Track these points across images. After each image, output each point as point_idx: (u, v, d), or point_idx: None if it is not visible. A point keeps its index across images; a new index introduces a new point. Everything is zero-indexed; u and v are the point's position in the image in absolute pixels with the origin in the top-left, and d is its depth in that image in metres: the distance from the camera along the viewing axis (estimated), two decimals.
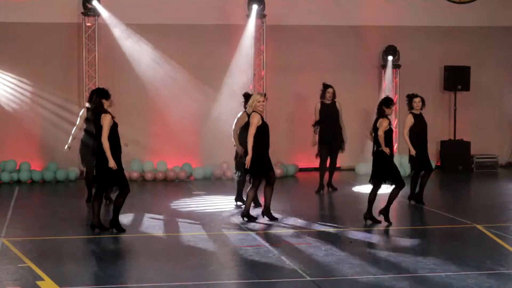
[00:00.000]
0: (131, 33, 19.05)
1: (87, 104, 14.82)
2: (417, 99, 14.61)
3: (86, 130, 14.68)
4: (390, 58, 20.43)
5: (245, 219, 13.00)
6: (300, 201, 15.78)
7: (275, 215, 13.15)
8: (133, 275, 9.80)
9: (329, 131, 16.37)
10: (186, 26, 19.56)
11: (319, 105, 16.60)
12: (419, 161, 14.51)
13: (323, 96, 16.64)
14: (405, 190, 13.84)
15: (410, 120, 14.56)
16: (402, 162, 19.34)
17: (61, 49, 19.29)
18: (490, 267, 9.99)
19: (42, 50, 19.12)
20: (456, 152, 20.63)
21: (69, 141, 15.20)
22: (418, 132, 14.54)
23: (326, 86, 16.65)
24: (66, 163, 19.05)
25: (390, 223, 12.74)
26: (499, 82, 21.09)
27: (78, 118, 15.12)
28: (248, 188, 13.04)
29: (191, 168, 19.16)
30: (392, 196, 12.89)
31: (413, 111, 14.64)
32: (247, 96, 14.12)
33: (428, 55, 20.84)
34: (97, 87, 17.87)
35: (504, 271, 9.81)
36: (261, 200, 13.81)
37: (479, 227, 12.62)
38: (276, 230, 12.40)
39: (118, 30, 19.02)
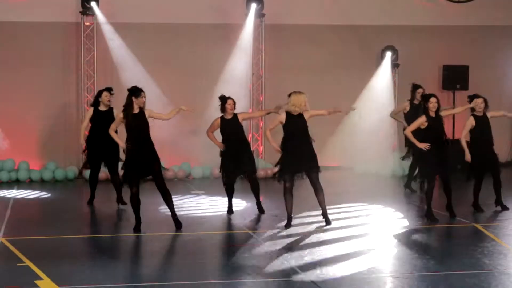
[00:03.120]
0: (129, 33, 19.08)
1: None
2: (479, 100, 13.72)
3: (95, 130, 14.61)
4: (388, 55, 20.41)
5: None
6: (299, 200, 15.76)
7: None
8: (131, 274, 9.79)
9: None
10: (184, 25, 19.58)
11: (408, 107, 15.90)
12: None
13: (412, 97, 15.94)
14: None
15: (471, 122, 13.73)
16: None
17: (59, 48, 19.31)
18: (490, 267, 9.99)
19: (41, 49, 19.13)
20: (455, 152, 20.60)
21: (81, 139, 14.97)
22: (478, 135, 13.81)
23: (415, 86, 15.92)
24: (64, 162, 19.08)
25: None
26: (498, 81, 21.10)
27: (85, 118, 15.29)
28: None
29: (189, 167, 19.16)
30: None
31: (475, 112, 13.74)
32: (221, 99, 13.57)
33: (426, 54, 20.85)
34: (96, 87, 17.94)
35: (503, 270, 9.80)
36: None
37: (478, 226, 12.62)
38: (274, 230, 12.39)
39: (115, 32, 19.05)
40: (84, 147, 14.87)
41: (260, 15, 19.75)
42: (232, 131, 13.38)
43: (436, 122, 12.97)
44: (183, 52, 19.58)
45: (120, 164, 13.67)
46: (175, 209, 12.40)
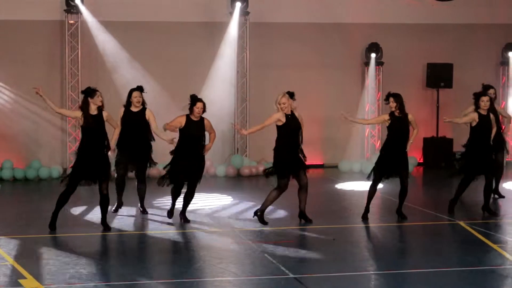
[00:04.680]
0: (113, 31, 19.07)
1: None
2: (485, 98, 13.29)
3: (125, 131, 13.07)
4: (373, 55, 20.50)
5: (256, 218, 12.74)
6: (283, 198, 15.77)
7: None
8: (115, 272, 9.78)
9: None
10: (169, 23, 19.55)
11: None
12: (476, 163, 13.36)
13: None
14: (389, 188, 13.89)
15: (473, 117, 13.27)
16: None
17: (43, 47, 19.24)
18: (472, 264, 10.03)
19: (24, 48, 19.04)
20: (439, 149, 20.71)
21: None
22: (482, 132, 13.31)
23: (486, 87, 15.06)
24: (49, 161, 19.02)
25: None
26: (482, 79, 21.06)
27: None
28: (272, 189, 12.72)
29: None
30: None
31: (479, 110, 13.27)
32: (192, 99, 12.71)
33: (411, 52, 20.91)
34: (80, 85, 17.91)
35: (486, 268, 9.85)
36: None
37: (462, 223, 12.67)
38: (259, 228, 12.40)
39: (100, 30, 19.03)
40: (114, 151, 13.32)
41: (244, 13, 19.75)
42: (195, 134, 12.61)
43: (399, 123, 12.87)
44: (168, 50, 19.55)
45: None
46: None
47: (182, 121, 12.63)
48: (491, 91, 14.94)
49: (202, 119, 12.66)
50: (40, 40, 19.19)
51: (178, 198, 12.93)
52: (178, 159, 12.64)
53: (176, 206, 12.95)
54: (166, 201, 15.24)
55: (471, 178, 13.52)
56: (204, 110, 12.64)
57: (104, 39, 19.12)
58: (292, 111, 12.52)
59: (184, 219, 12.87)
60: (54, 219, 12.24)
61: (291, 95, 12.56)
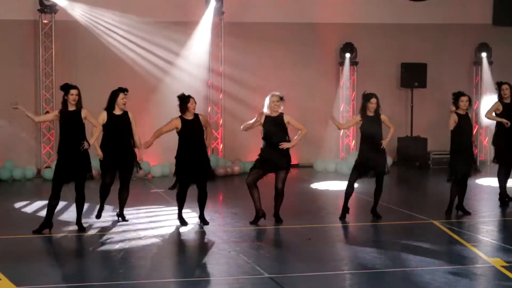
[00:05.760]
0: (89, 31, 19.04)
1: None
2: (464, 98, 13.26)
3: (109, 136, 12.78)
4: (347, 55, 20.57)
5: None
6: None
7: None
8: (91, 273, 9.75)
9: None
10: (144, 22, 19.49)
11: (500, 107, 14.55)
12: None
13: (500, 95, 14.79)
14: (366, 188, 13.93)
15: (453, 118, 13.11)
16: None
17: (17, 47, 19.13)
18: (447, 263, 10.10)
19: None
20: (413, 149, 20.80)
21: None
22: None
23: (499, 84, 14.87)
24: (22, 161, 18.90)
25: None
26: (455, 79, 21.29)
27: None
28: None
29: (149, 166, 19.10)
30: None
31: (458, 110, 13.15)
32: (181, 98, 12.49)
33: (385, 52, 21.01)
34: (55, 85, 17.80)
35: (460, 266, 9.92)
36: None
37: (436, 223, 12.74)
38: (234, 228, 12.40)
39: (75, 29, 18.98)
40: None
41: (219, 13, 19.75)
42: (195, 133, 12.35)
43: (370, 123, 12.87)
44: (143, 49, 19.50)
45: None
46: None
47: (178, 124, 12.39)
48: (504, 86, 14.80)
49: (196, 115, 12.46)
50: (13, 40, 19.09)
51: (184, 202, 12.56)
52: (181, 162, 12.42)
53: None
54: (141, 201, 15.22)
55: (458, 180, 13.32)
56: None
57: (79, 38, 19.04)
58: (278, 115, 12.63)
59: (203, 221, 12.59)
60: (46, 222, 11.97)
61: (280, 98, 12.68)
